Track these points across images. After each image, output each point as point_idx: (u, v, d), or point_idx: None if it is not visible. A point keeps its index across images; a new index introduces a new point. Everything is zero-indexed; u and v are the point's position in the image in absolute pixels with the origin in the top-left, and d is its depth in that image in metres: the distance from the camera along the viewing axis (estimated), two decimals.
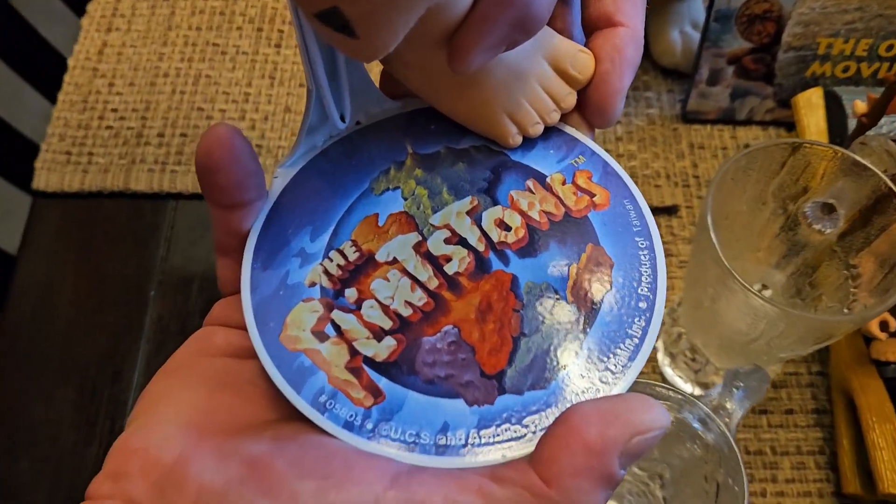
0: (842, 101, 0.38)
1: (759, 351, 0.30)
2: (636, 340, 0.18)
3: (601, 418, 0.15)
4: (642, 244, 0.19)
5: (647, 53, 0.45)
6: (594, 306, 0.18)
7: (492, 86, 0.20)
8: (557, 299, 0.18)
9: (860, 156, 0.32)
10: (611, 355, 0.17)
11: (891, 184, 0.29)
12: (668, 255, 0.40)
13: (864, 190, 0.31)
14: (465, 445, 0.16)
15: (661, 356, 0.38)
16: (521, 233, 0.19)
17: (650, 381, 0.29)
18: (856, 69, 0.41)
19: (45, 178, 0.44)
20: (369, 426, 0.17)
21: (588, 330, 0.18)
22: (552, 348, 0.18)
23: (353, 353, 0.18)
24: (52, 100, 0.48)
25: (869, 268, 0.31)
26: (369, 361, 0.18)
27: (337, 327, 0.18)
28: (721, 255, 0.28)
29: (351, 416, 0.17)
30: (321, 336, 0.18)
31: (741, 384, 0.28)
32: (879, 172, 0.30)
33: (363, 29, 0.15)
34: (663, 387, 0.28)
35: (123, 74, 0.47)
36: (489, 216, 0.20)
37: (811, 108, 0.39)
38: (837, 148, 0.31)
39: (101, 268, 0.42)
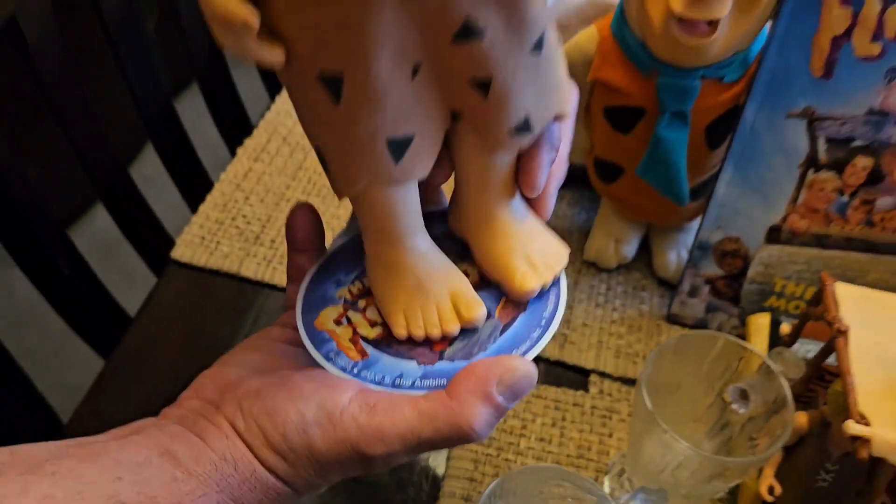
0: (780, 325, 0.49)
1: (667, 481, 0.40)
2: (531, 344, 0.29)
3: (487, 363, 0.26)
4: (551, 302, 0.31)
5: (649, 264, 0.58)
6: (508, 323, 0.30)
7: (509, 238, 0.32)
8: (488, 317, 0.30)
9: (775, 361, 0.43)
10: (514, 349, 0.29)
11: (787, 389, 0.40)
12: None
13: (770, 387, 0.41)
14: (411, 387, 0.28)
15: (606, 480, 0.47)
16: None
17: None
18: (804, 308, 0.52)
19: (182, 250, 0.58)
20: (355, 371, 0.29)
21: (503, 334, 0.30)
22: (479, 340, 0.29)
23: (354, 332, 0.30)
24: (196, 204, 0.64)
25: (764, 443, 0.40)
26: (364, 338, 0.30)
27: (349, 319, 0.31)
28: (648, 403, 0.38)
29: (346, 365, 0.29)
30: (338, 323, 0.30)
31: (644, 496, 0.37)
32: (782, 378, 0.40)
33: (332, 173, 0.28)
34: (590, 481, 0.37)
35: (257, 193, 0.63)
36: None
37: (759, 328, 0.50)
38: (758, 352, 0.42)
39: (203, 326, 0.55)
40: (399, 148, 0.27)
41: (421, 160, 0.28)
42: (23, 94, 0.58)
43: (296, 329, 0.31)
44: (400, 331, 0.30)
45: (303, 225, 0.33)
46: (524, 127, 0.28)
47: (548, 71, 0.27)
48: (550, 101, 0.28)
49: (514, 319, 0.30)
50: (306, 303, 0.32)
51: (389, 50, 0.24)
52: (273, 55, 0.23)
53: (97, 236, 1.10)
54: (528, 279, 0.30)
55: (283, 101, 0.71)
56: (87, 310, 0.67)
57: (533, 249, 0.31)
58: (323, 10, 0.22)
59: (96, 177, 0.68)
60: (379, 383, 0.28)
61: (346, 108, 0.25)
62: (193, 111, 0.94)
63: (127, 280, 0.87)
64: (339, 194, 0.28)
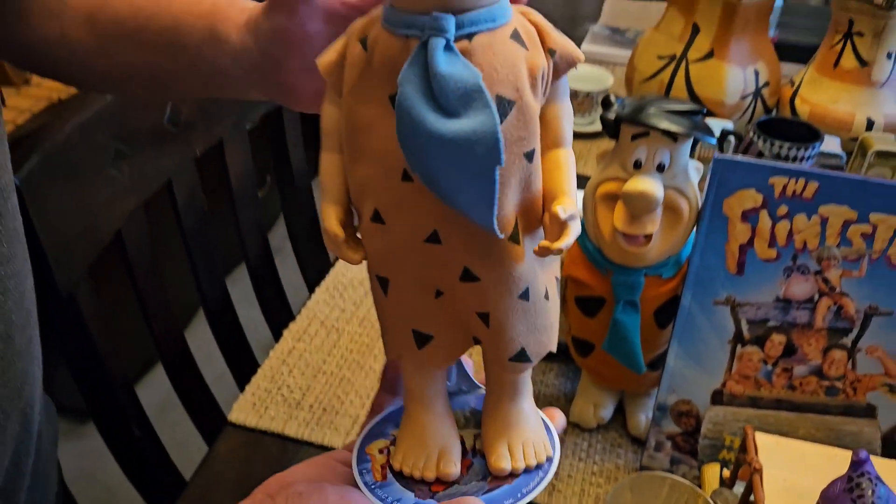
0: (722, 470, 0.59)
1: None
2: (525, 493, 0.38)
3: None
4: (535, 480, 0.41)
5: (624, 425, 0.69)
6: (493, 488, 0.38)
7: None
8: (479, 478, 0.40)
9: (716, 499, 0.54)
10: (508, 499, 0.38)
11: None
12: None
13: None
14: None
15: None
16: None
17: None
18: (736, 455, 0.62)
19: (237, 414, 0.71)
20: (373, 487, 0.38)
21: (485, 494, 0.38)
22: (465, 493, 0.39)
23: (386, 460, 0.40)
24: (238, 373, 0.77)
25: None
26: (389, 466, 0.40)
27: (388, 451, 0.41)
28: None
29: (369, 481, 0.39)
30: (381, 452, 0.41)
31: None
32: None
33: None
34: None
35: (299, 367, 0.76)
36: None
37: (711, 475, 0.60)
38: (700, 491, 0.52)
39: (252, 476, 0.66)
40: (421, 339, 0.36)
41: (438, 356, 0.37)
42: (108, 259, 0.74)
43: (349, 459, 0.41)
44: (396, 464, 0.39)
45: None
46: (521, 357, 0.36)
47: (539, 315, 0.35)
48: (545, 338, 0.36)
49: (498, 486, 0.38)
50: (369, 433, 0.41)
51: (416, 273, 0.34)
52: (354, 258, 0.35)
53: (154, 397, 1.23)
54: (500, 460, 0.38)
55: (322, 292, 0.86)
56: (148, 466, 0.79)
57: (519, 439, 0.38)
58: (380, 243, 0.34)
59: (157, 337, 0.82)
60: (383, 501, 0.38)
61: (391, 299, 0.36)
62: (241, 291, 1.10)
63: (174, 441, 0.99)
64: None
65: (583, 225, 0.62)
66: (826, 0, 2.21)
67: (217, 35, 0.44)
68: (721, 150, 0.97)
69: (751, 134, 0.93)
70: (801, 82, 1.06)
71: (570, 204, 0.32)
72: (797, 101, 1.05)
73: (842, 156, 0.97)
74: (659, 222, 0.57)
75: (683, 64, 1.05)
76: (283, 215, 1.11)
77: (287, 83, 0.44)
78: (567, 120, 0.34)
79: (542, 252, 0.32)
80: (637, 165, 0.56)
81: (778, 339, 0.59)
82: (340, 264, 0.90)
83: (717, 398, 0.62)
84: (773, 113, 1.09)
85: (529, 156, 0.32)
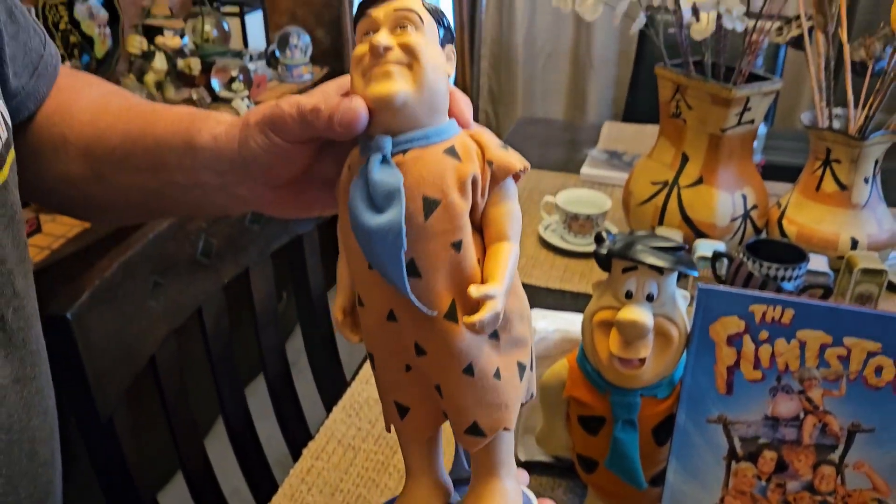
0: None
1: None
2: None
3: None
4: None
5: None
6: None
7: None
8: None
9: None
10: None
11: None
12: None
13: None
14: None
15: None
16: None
17: None
18: None
19: None
20: None
21: None
22: None
23: None
24: (260, 494, 0.81)
25: None
26: None
27: None
28: None
29: None
30: None
31: None
32: None
33: None
34: None
35: (317, 484, 0.80)
36: None
37: None
38: None
39: None
40: (401, 410, 0.43)
41: (418, 427, 0.43)
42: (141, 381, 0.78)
43: None
44: None
45: None
46: (475, 431, 0.40)
47: (488, 392, 0.40)
48: (498, 415, 0.40)
49: None
50: None
51: (388, 349, 0.42)
52: (351, 338, 0.43)
53: None
54: None
55: (339, 411, 0.91)
56: None
57: None
58: (363, 322, 0.42)
59: (180, 450, 0.85)
60: None
61: (378, 373, 0.43)
62: (259, 403, 1.14)
63: None
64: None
65: (582, 349, 0.67)
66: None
67: (193, 145, 0.47)
68: (714, 269, 1.03)
69: (741, 255, 0.99)
70: (787, 204, 1.13)
71: (490, 287, 0.37)
72: (785, 223, 1.12)
73: (830, 274, 1.02)
74: (651, 347, 0.62)
75: (675, 189, 1.13)
76: (300, 327, 1.17)
77: (261, 192, 0.47)
78: (509, 218, 0.39)
79: (468, 327, 0.37)
80: (628, 296, 0.62)
81: (770, 456, 0.63)
82: (357, 383, 0.95)
83: None
84: (763, 233, 1.16)
85: (457, 245, 0.38)
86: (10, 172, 0.47)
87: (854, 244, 1.07)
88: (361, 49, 0.38)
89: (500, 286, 0.37)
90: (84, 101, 0.55)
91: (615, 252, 0.62)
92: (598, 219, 1.22)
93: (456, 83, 2.67)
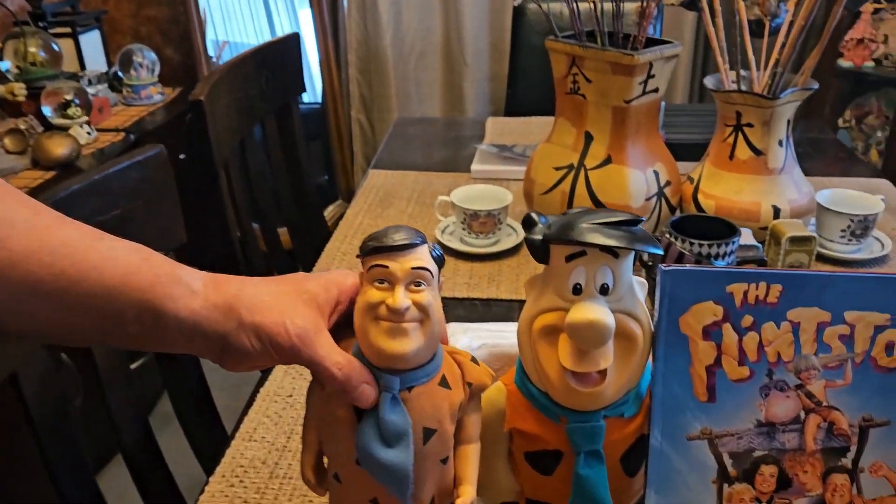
0: None
1: None
2: None
3: None
4: None
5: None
6: None
7: None
8: None
9: None
10: None
11: None
12: None
13: None
14: None
15: None
16: None
17: None
18: None
19: None
20: None
21: None
22: None
23: None
24: None
25: None
26: None
27: None
28: None
29: None
30: None
31: None
32: None
33: None
34: None
35: None
36: None
37: None
38: None
39: None
40: None
41: None
42: None
43: None
44: None
45: None
46: None
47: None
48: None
49: None
50: None
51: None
52: (320, 493, 0.51)
53: None
54: None
55: (216, 481, 0.71)
56: None
57: None
58: (337, 493, 0.50)
59: None
60: None
61: None
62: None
63: None
64: None
65: (521, 367, 0.52)
66: (701, 97, 2.33)
67: (162, 311, 0.45)
68: (638, 255, 0.91)
69: (667, 236, 0.88)
70: (700, 178, 1.04)
71: (468, 493, 0.49)
72: (700, 197, 1.02)
73: (758, 246, 0.93)
74: (612, 354, 0.48)
75: (582, 172, 1.01)
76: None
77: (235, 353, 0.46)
78: (477, 424, 0.50)
79: None
80: (576, 291, 0.48)
81: (769, 471, 0.50)
82: (234, 447, 0.76)
83: None
84: (678, 211, 1.06)
85: (444, 461, 0.48)
86: None
87: (777, 213, 0.98)
88: (375, 297, 0.45)
89: (473, 490, 0.49)
90: None
91: (554, 236, 0.47)
92: (501, 214, 1.09)
93: (324, 93, 2.49)
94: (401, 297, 0.43)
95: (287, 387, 0.83)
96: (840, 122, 2.25)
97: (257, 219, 1.39)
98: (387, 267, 0.44)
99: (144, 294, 0.44)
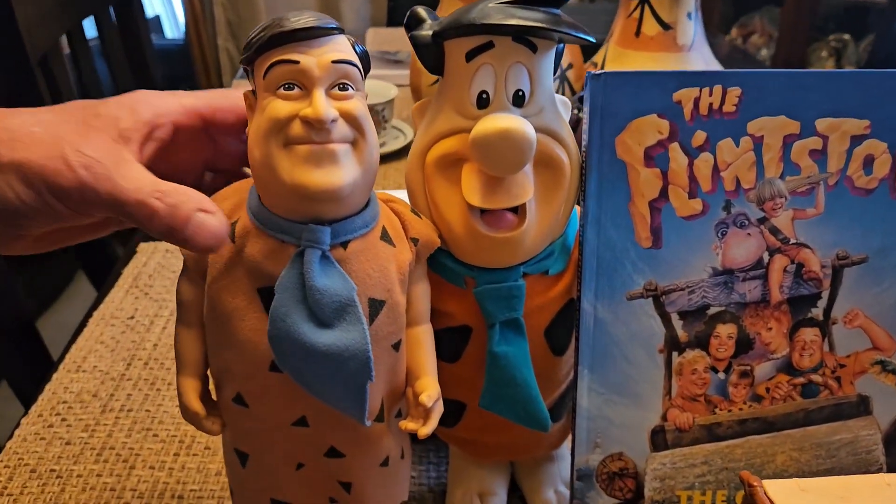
0: None
1: None
2: None
3: None
4: None
5: None
6: None
7: None
8: None
9: None
10: None
11: None
12: None
13: None
14: None
15: None
16: None
17: None
18: None
19: None
20: None
21: None
22: None
23: None
24: None
25: None
26: None
27: None
28: None
29: None
30: None
31: None
32: None
33: None
34: None
35: None
36: None
37: None
38: None
39: None
40: None
41: None
42: None
43: None
44: None
45: None
46: None
47: (395, 475, 0.39)
48: (397, 491, 0.40)
49: None
50: None
51: (279, 451, 0.36)
52: (214, 430, 0.36)
53: None
54: None
55: (31, 422, 0.56)
56: None
57: None
58: (241, 423, 0.36)
59: None
60: None
61: (249, 471, 0.38)
62: None
63: None
64: None
65: (415, 214, 0.40)
66: None
67: None
68: None
69: (575, 111, 0.77)
70: (604, 59, 0.94)
71: (433, 387, 0.36)
72: None
73: None
74: (531, 186, 0.36)
75: None
76: None
77: None
78: (426, 298, 0.37)
79: (420, 436, 0.35)
80: (483, 103, 0.35)
81: (726, 332, 0.40)
82: (56, 380, 0.60)
83: (659, 440, 0.41)
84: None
85: (396, 346, 0.35)
86: None
87: None
88: (282, 110, 0.30)
89: (437, 383, 0.37)
90: None
91: (450, 26, 0.35)
92: (385, 111, 0.95)
93: (186, 26, 2.25)
94: (323, 104, 0.29)
95: (128, 307, 0.67)
96: (726, 40, 2.23)
97: None
98: (297, 63, 0.30)
99: None
